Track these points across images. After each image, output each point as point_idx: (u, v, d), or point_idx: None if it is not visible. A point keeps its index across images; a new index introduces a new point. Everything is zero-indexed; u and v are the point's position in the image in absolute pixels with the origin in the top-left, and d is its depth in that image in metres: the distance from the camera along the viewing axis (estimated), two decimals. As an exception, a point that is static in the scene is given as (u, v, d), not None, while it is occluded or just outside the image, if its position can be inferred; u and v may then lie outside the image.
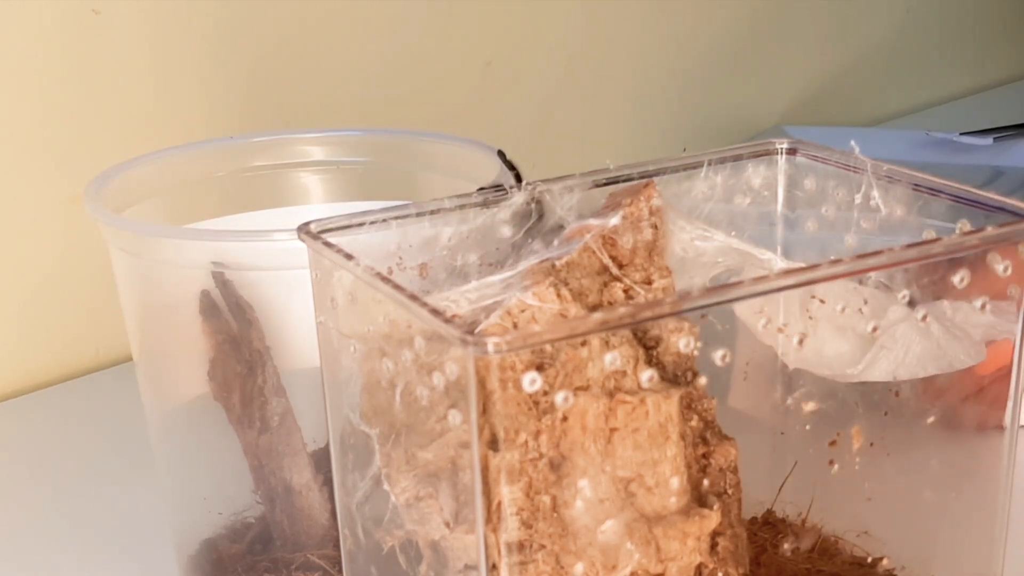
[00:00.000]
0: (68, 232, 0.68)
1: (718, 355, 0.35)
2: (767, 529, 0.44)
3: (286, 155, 0.53)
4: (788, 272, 0.33)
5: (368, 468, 0.36)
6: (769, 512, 0.45)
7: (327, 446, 0.45)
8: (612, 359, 0.33)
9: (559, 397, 0.32)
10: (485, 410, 0.31)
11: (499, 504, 0.32)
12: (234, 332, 0.43)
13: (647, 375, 0.33)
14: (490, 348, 0.29)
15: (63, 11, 0.66)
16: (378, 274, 0.33)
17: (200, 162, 0.51)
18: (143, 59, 0.70)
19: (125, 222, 0.44)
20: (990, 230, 0.35)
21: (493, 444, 0.32)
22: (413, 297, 0.31)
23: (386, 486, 0.35)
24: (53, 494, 0.58)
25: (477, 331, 0.32)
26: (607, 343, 0.33)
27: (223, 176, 0.52)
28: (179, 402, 0.47)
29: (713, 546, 0.35)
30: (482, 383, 0.31)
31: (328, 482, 0.44)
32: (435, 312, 0.30)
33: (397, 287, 0.32)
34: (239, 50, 0.73)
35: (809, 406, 0.41)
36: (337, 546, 0.44)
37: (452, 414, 0.32)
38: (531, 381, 0.31)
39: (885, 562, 0.43)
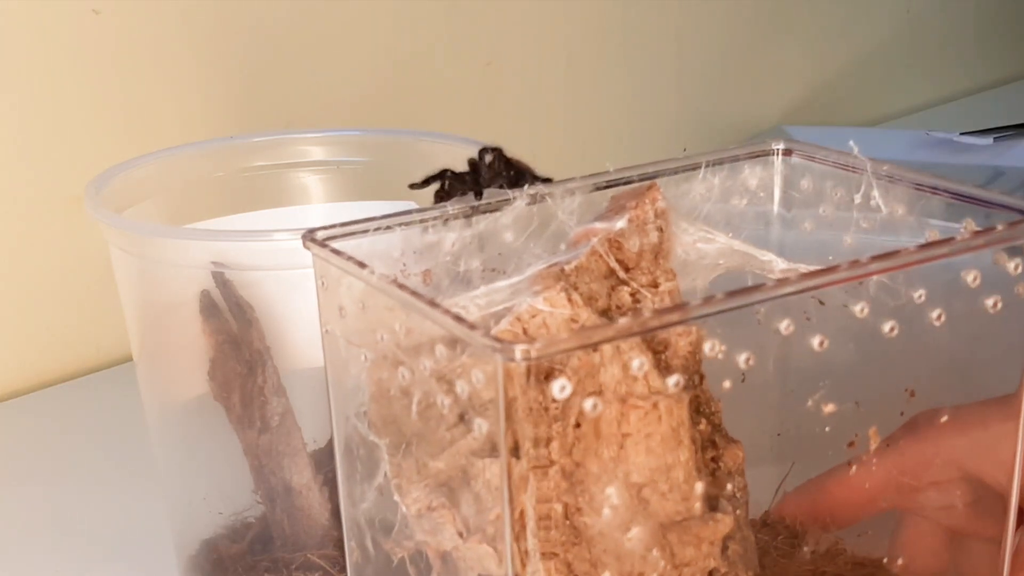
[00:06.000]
0: (68, 232, 0.68)
1: (719, 356, 0.35)
2: (766, 531, 0.44)
3: (286, 155, 0.53)
4: (809, 275, 0.33)
5: (376, 479, 0.36)
6: (767, 514, 0.45)
7: (327, 446, 0.45)
8: (640, 364, 0.33)
9: (588, 403, 0.32)
10: (508, 417, 0.31)
11: (521, 512, 0.32)
12: (234, 332, 0.43)
13: (673, 380, 0.33)
14: (518, 355, 0.29)
15: (63, 11, 0.66)
16: (395, 281, 0.32)
17: (200, 162, 0.51)
18: (143, 59, 0.70)
19: (125, 222, 0.44)
20: (1002, 229, 0.35)
21: (515, 452, 0.31)
22: (434, 304, 0.31)
23: (396, 497, 0.35)
24: (53, 494, 0.58)
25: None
26: (618, 348, 0.33)
27: (223, 176, 0.52)
28: (179, 402, 0.47)
29: (723, 550, 0.35)
30: (506, 390, 0.31)
31: (328, 482, 0.44)
32: (459, 319, 0.30)
33: (416, 294, 0.31)
34: (239, 50, 0.73)
35: (809, 407, 0.41)
36: (337, 546, 0.44)
37: (478, 423, 0.32)
38: (561, 388, 0.31)
39: (887, 562, 0.43)
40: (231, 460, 0.45)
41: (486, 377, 0.31)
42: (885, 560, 0.43)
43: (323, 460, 0.45)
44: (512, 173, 0.38)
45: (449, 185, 0.37)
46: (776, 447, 0.44)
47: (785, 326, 0.35)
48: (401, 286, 0.32)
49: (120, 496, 0.57)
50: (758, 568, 0.37)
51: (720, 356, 0.34)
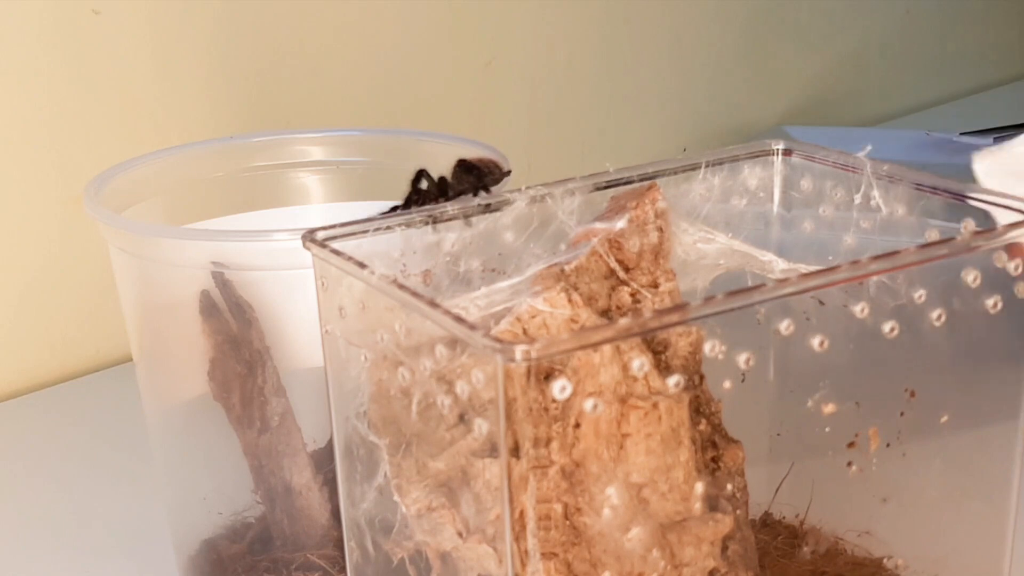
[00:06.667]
0: (68, 232, 0.68)
1: (720, 356, 0.35)
2: (766, 531, 0.44)
3: (286, 155, 0.53)
4: (809, 275, 0.33)
5: (376, 479, 0.36)
6: (767, 514, 0.45)
7: (327, 446, 0.45)
8: (640, 365, 0.32)
9: (588, 404, 0.32)
10: (508, 417, 0.31)
11: (521, 512, 0.32)
12: (234, 332, 0.43)
13: (674, 380, 0.33)
14: (518, 356, 0.29)
15: (63, 11, 0.66)
16: (395, 282, 0.32)
17: (200, 162, 0.51)
18: (143, 59, 0.70)
19: (125, 222, 0.44)
20: (1002, 229, 0.35)
21: (515, 452, 0.31)
22: (434, 304, 0.31)
23: (396, 497, 0.35)
24: (53, 494, 0.58)
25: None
26: (618, 348, 0.33)
27: (223, 176, 0.52)
28: (179, 402, 0.47)
29: (723, 550, 0.35)
30: (506, 391, 0.30)
31: (328, 482, 0.44)
32: (460, 320, 0.30)
33: (416, 295, 0.31)
34: (240, 50, 0.73)
35: (808, 407, 0.41)
36: (337, 546, 0.44)
37: (478, 423, 0.32)
38: (561, 388, 0.31)
39: (888, 562, 0.43)
40: (231, 460, 0.45)
41: (486, 377, 0.31)
42: (885, 560, 0.43)
43: (323, 460, 0.45)
44: (477, 179, 0.37)
45: (424, 190, 0.37)
46: (775, 447, 0.44)
47: (785, 326, 0.35)
48: (401, 286, 0.32)
49: (120, 496, 0.57)
50: (758, 568, 0.37)
51: (720, 356, 0.34)
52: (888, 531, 0.43)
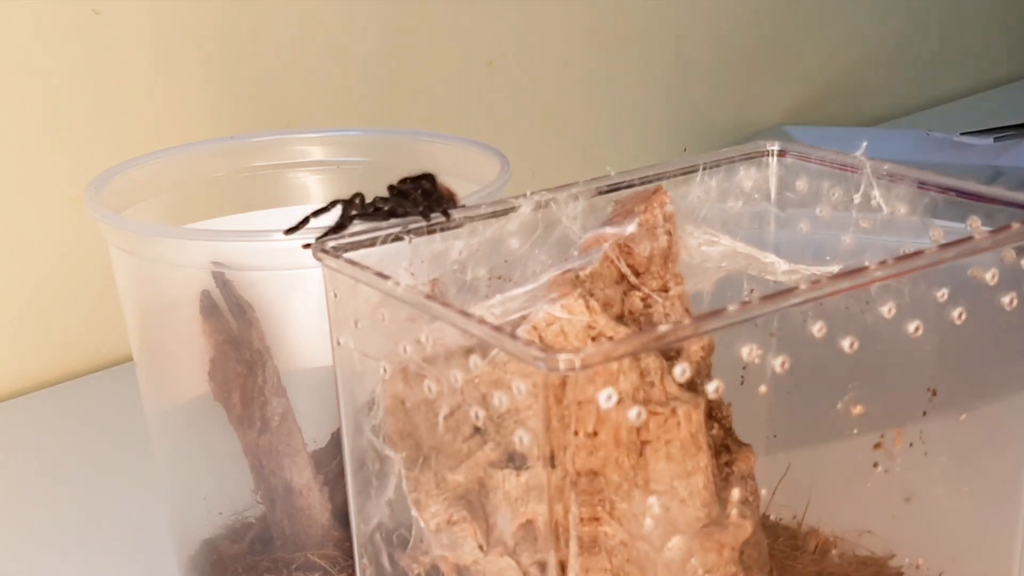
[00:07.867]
0: (68, 232, 0.68)
1: (756, 360, 0.34)
2: (766, 532, 0.44)
3: (286, 155, 0.53)
4: (847, 274, 0.32)
5: (387, 493, 0.35)
6: (764, 516, 0.44)
7: (327, 446, 0.45)
8: (682, 371, 0.31)
9: (632, 412, 0.31)
10: (548, 427, 0.30)
11: (556, 523, 0.31)
12: (234, 332, 0.43)
13: (713, 386, 0.32)
14: (562, 365, 0.28)
15: (63, 11, 0.66)
16: (425, 293, 0.31)
17: (200, 162, 0.51)
18: (143, 59, 0.70)
19: (125, 222, 0.44)
20: (1019, 227, 0.35)
21: (550, 462, 0.30)
22: (467, 315, 0.30)
23: (414, 512, 0.34)
24: (53, 494, 0.58)
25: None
26: (635, 355, 0.32)
27: (223, 176, 0.52)
28: (179, 402, 0.47)
29: (739, 554, 0.35)
30: (547, 400, 0.30)
31: (328, 482, 0.44)
32: (498, 329, 0.29)
33: (449, 306, 0.31)
34: (240, 50, 0.73)
35: (806, 408, 0.41)
36: (337, 546, 0.44)
37: (519, 434, 0.31)
38: (607, 397, 0.30)
39: (894, 561, 0.43)
40: (231, 460, 0.45)
41: (528, 387, 0.30)
42: (890, 560, 0.43)
43: (323, 460, 0.45)
44: (429, 200, 0.36)
45: (358, 214, 0.36)
46: (772, 449, 0.44)
47: (780, 328, 0.35)
48: (431, 297, 0.31)
49: (120, 496, 0.57)
50: (770, 572, 0.37)
51: (757, 360, 0.33)
52: (891, 530, 0.43)
